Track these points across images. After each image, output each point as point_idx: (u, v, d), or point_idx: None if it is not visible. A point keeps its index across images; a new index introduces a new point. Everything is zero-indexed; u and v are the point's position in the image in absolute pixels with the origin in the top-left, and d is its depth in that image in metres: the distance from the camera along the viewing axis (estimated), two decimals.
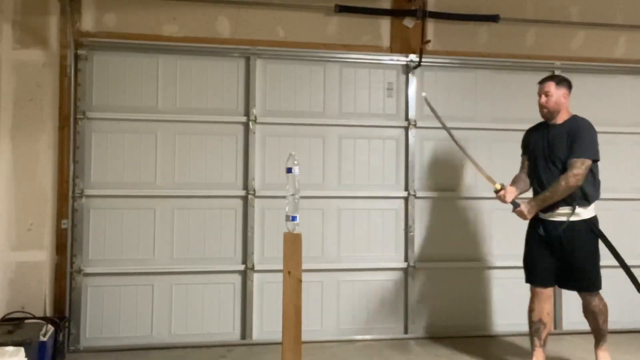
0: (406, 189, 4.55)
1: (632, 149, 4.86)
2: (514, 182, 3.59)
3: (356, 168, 4.50)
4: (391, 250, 4.52)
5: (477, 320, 4.57)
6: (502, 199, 3.45)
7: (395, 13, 4.53)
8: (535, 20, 4.71)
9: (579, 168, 3.29)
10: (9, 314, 3.70)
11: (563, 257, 3.41)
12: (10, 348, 2.89)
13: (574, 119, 3.49)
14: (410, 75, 4.56)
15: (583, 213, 3.37)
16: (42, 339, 3.40)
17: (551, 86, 3.48)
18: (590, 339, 3.66)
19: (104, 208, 4.17)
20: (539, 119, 4.71)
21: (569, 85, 3.54)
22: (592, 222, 3.41)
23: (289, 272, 3.17)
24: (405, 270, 4.52)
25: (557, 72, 4.71)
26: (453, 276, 4.56)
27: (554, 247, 3.42)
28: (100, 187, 4.16)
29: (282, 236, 3.14)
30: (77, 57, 4.11)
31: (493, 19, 4.60)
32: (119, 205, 4.18)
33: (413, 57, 4.52)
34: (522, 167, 3.69)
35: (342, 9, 4.42)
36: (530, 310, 3.55)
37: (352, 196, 4.47)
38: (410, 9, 4.49)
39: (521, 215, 3.44)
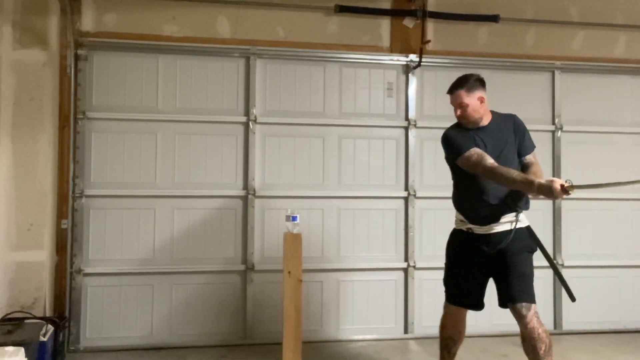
0: (406, 189, 4.55)
1: (632, 149, 4.86)
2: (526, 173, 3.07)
3: (356, 168, 4.50)
4: (391, 250, 4.52)
5: (477, 320, 4.57)
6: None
7: (395, 13, 4.53)
8: (535, 20, 4.71)
9: (536, 158, 3.10)
10: (9, 314, 3.70)
11: (503, 268, 2.99)
12: (10, 348, 2.89)
13: (502, 115, 3.17)
14: (410, 75, 4.56)
15: (524, 219, 3.06)
16: (42, 339, 3.40)
17: (463, 96, 3.00)
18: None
19: (104, 208, 4.17)
20: (538, 118, 4.75)
21: (481, 83, 3.07)
22: (531, 230, 3.10)
23: (289, 272, 3.17)
24: (405, 270, 4.51)
25: (556, 72, 4.74)
26: None
27: (493, 260, 3.02)
28: (100, 187, 4.16)
29: (282, 236, 3.14)
30: (77, 57, 4.11)
31: (493, 19, 4.60)
32: (119, 205, 4.18)
33: (413, 57, 4.52)
34: (486, 156, 2.97)
35: (342, 9, 4.42)
36: (442, 327, 3.25)
37: (352, 196, 4.47)
38: (410, 9, 4.49)
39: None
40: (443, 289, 3.29)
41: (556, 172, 4.71)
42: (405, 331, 4.49)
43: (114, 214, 4.17)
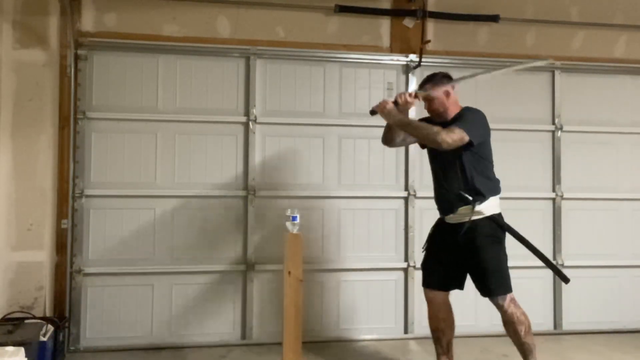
0: (406, 189, 4.55)
1: (632, 149, 4.86)
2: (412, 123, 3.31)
3: (356, 168, 4.50)
4: (391, 250, 4.52)
5: (477, 320, 4.57)
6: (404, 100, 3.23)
7: (395, 13, 4.53)
8: (535, 20, 4.71)
9: (453, 133, 3.04)
10: (9, 314, 3.70)
11: (471, 259, 3.17)
12: (10, 348, 2.89)
13: (464, 109, 3.29)
14: (410, 75, 4.56)
15: (485, 209, 3.16)
16: (42, 339, 3.40)
17: (428, 89, 3.28)
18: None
19: (104, 208, 4.17)
20: (538, 118, 4.75)
21: (448, 79, 3.31)
22: (496, 218, 3.18)
23: (289, 272, 3.17)
24: (405, 270, 4.51)
25: (556, 72, 4.74)
26: None
27: (461, 250, 3.19)
28: (100, 187, 4.16)
29: (282, 236, 3.14)
30: (77, 57, 4.11)
31: (493, 19, 4.60)
32: (119, 205, 4.18)
33: (413, 57, 4.52)
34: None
35: (342, 9, 4.42)
36: (429, 318, 3.39)
37: (352, 196, 4.47)
38: (410, 9, 4.49)
39: (378, 108, 3.26)
40: None
41: (556, 172, 4.71)
42: (405, 331, 4.49)
43: (114, 214, 4.17)
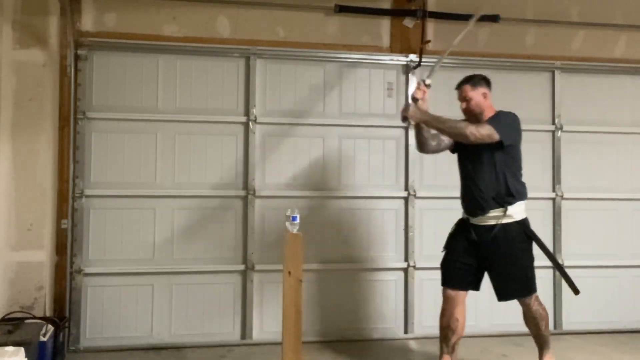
0: (406, 189, 4.55)
1: (632, 149, 4.86)
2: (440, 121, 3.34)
3: (356, 168, 4.50)
4: (391, 250, 4.52)
5: (477, 320, 4.57)
6: (415, 95, 3.32)
7: (395, 13, 4.53)
8: (535, 20, 4.71)
9: (483, 129, 3.11)
10: (9, 314, 3.70)
11: (496, 263, 3.21)
12: (10, 348, 2.89)
13: (498, 112, 3.34)
14: (410, 75, 4.56)
15: (515, 214, 3.21)
16: (42, 339, 3.40)
17: (468, 90, 3.32)
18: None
19: (104, 208, 4.17)
20: (539, 118, 4.75)
21: (487, 82, 3.38)
22: (524, 223, 3.25)
23: (289, 272, 3.17)
24: (405, 270, 4.51)
25: (556, 72, 4.74)
26: None
27: (486, 252, 3.22)
28: (100, 187, 4.16)
29: (282, 236, 3.14)
30: (77, 57, 4.11)
31: (493, 19, 4.60)
32: (119, 205, 4.18)
33: (413, 57, 4.52)
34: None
35: (342, 9, 4.42)
36: (441, 316, 3.40)
37: (352, 196, 4.47)
38: (410, 9, 4.49)
39: (405, 112, 3.26)
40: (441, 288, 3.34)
41: (556, 172, 4.71)
42: (405, 331, 4.49)
43: (114, 214, 4.17)
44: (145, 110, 4.23)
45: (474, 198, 3.27)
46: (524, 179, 3.33)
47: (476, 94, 3.30)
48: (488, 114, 3.30)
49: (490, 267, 3.25)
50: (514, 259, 3.18)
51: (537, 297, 3.26)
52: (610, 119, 4.83)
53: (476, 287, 3.38)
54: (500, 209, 3.18)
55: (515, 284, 3.20)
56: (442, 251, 3.47)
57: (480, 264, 3.27)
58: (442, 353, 3.40)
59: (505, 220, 3.17)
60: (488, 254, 3.22)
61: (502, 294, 3.25)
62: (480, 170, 3.25)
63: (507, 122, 3.22)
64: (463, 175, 3.39)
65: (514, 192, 3.20)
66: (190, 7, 4.28)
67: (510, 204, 3.18)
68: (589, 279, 4.70)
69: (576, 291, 3.23)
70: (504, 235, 3.17)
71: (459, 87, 3.37)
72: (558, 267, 3.33)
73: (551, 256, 3.29)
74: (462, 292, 3.35)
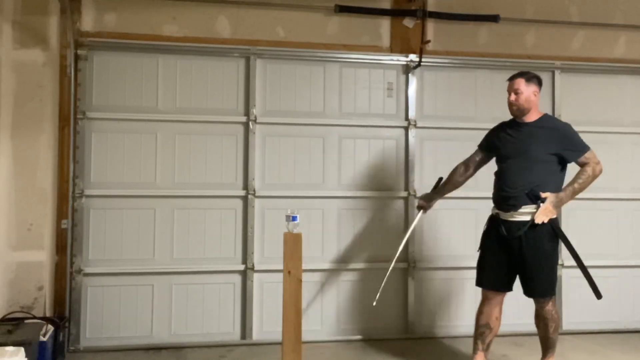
0: (406, 189, 4.55)
1: (632, 149, 4.86)
2: (449, 177, 3.71)
3: (356, 168, 4.50)
4: (391, 250, 4.50)
5: None
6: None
7: (395, 13, 4.53)
8: (535, 20, 4.71)
9: (595, 157, 3.28)
10: (9, 314, 3.70)
11: (522, 259, 3.27)
12: (10, 348, 2.89)
13: (549, 117, 3.46)
14: (410, 75, 4.56)
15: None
16: (42, 339, 3.40)
17: (521, 83, 3.35)
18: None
19: (104, 208, 4.17)
20: None
21: (539, 82, 3.42)
22: (555, 221, 3.29)
23: (289, 272, 3.17)
24: (405, 270, 4.51)
25: (556, 72, 4.74)
26: (453, 276, 4.56)
27: (514, 249, 3.29)
28: (100, 187, 4.16)
29: (282, 236, 3.14)
30: (77, 57, 4.11)
31: (493, 19, 4.60)
32: (119, 205, 4.18)
33: (413, 57, 4.52)
34: (469, 159, 3.66)
35: (342, 9, 4.42)
36: (479, 313, 3.49)
37: (352, 196, 4.47)
38: (410, 9, 4.49)
39: (547, 213, 3.21)
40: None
41: None
42: (405, 331, 4.48)
43: (114, 214, 4.17)
44: (145, 110, 4.23)
45: (508, 193, 3.32)
46: None
47: (528, 90, 3.33)
48: (534, 112, 3.37)
49: (521, 264, 3.29)
50: (543, 257, 3.25)
51: (553, 300, 3.33)
52: (610, 119, 4.83)
53: (509, 286, 3.42)
54: (533, 206, 3.24)
55: (543, 282, 3.27)
56: (477, 251, 3.54)
57: (512, 262, 3.33)
58: (476, 349, 3.48)
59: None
60: (516, 250, 3.28)
61: (530, 291, 3.33)
62: (525, 167, 3.29)
63: (578, 135, 3.35)
64: (501, 171, 3.43)
65: (549, 192, 3.25)
66: (190, 7, 4.28)
67: (542, 201, 3.22)
68: None
69: (599, 295, 3.23)
70: (533, 233, 3.23)
71: (513, 78, 3.41)
72: (583, 270, 3.28)
73: (577, 257, 3.28)
74: (501, 292, 3.42)
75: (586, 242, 4.74)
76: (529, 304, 3.46)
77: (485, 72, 4.68)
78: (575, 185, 3.26)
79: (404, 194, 4.54)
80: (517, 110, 3.38)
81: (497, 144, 3.50)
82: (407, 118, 4.56)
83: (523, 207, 3.26)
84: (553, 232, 3.27)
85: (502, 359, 4.00)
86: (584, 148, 3.30)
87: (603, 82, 4.84)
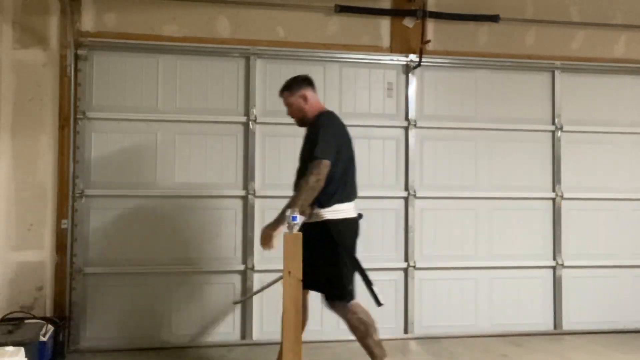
0: (406, 189, 4.55)
1: (632, 149, 4.86)
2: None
3: (356, 168, 4.49)
4: (391, 250, 4.52)
5: (477, 320, 4.57)
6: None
7: (395, 13, 4.53)
8: (535, 20, 4.71)
9: (316, 168, 3.01)
10: (9, 314, 3.70)
11: (313, 263, 3.00)
12: (10, 348, 2.89)
13: (318, 116, 3.20)
14: (410, 75, 4.56)
15: (326, 214, 3.12)
16: (42, 339, 3.40)
17: (287, 97, 3.27)
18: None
19: (104, 208, 4.17)
20: (539, 118, 4.75)
21: (304, 81, 3.28)
22: (334, 223, 3.11)
23: (289, 272, 3.17)
24: (405, 270, 4.51)
25: (556, 72, 4.74)
26: (453, 276, 4.57)
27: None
28: (100, 187, 4.16)
29: (282, 236, 3.14)
30: (77, 57, 4.11)
31: (493, 19, 4.60)
32: (119, 205, 4.18)
33: (413, 57, 4.52)
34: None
35: (342, 9, 4.42)
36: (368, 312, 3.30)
37: None
38: (410, 9, 4.49)
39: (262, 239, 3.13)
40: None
41: (556, 172, 4.71)
42: (405, 331, 4.48)
43: (114, 214, 4.17)
44: (145, 110, 4.23)
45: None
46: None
47: (295, 99, 3.25)
48: (311, 114, 3.23)
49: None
50: (323, 262, 3.09)
51: (345, 306, 3.15)
52: (610, 119, 4.83)
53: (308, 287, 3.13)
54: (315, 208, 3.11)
55: (326, 286, 3.15)
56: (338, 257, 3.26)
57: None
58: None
59: (314, 220, 3.11)
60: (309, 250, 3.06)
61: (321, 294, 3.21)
62: (302, 170, 3.19)
63: (325, 138, 3.07)
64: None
65: (320, 197, 3.08)
66: (190, 7, 4.28)
67: (319, 206, 3.10)
68: (589, 279, 4.71)
69: (378, 303, 3.15)
70: (313, 234, 3.06)
71: (280, 94, 3.32)
72: (362, 275, 3.15)
73: (356, 263, 3.15)
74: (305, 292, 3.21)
75: (586, 242, 4.75)
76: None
77: (485, 72, 4.68)
78: (298, 197, 3.06)
79: (403, 194, 4.54)
80: (297, 121, 3.30)
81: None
82: (407, 118, 4.56)
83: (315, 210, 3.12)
84: (329, 233, 3.11)
85: (502, 359, 4.00)
86: (317, 154, 3.03)
87: (603, 82, 4.84)
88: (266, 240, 3.16)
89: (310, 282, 3.06)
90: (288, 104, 3.29)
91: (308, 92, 3.28)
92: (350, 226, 3.21)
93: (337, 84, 4.51)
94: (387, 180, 4.54)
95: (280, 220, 3.16)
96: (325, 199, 3.11)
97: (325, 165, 3.03)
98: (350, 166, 3.25)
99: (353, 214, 3.22)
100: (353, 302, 3.17)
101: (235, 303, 3.17)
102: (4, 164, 3.90)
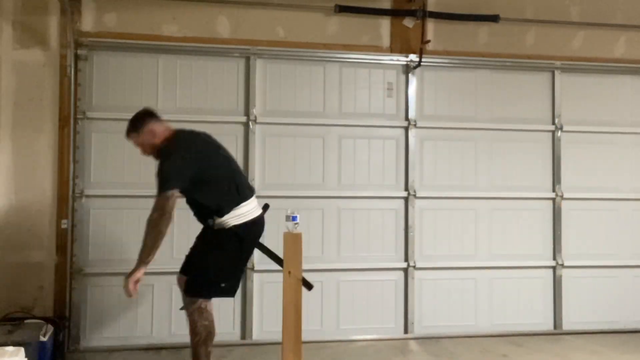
0: (406, 189, 4.54)
1: (632, 149, 4.86)
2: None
3: (356, 168, 4.50)
4: (391, 250, 4.52)
5: (477, 320, 4.57)
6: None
7: (395, 13, 4.53)
8: (535, 20, 4.71)
9: (155, 204, 3.04)
10: (9, 314, 3.70)
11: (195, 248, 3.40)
12: (10, 348, 2.89)
13: (160, 149, 3.14)
14: (410, 75, 4.56)
15: (229, 221, 3.18)
16: (42, 339, 3.40)
17: (134, 138, 3.16)
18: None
19: (104, 208, 4.16)
20: (538, 118, 4.76)
21: (148, 116, 3.19)
22: (241, 227, 3.20)
23: (289, 272, 3.17)
24: (405, 270, 4.51)
25: (556, 72, 4.74)
26: (453, 276, 4.57)
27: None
28: (100, 187, 4.16)
29: (282, 236, 3.14)
30: (77, 57, 4.11)
31: (493, 19, 4.60)
32: (119, 205, 4.18)
33: (413, 57, 4.52)
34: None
35: (342, 9, 4.42)
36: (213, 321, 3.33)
37: (352, 196, 4.47)
38: (410, 9, 4.49)
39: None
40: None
41: (556, 172, 4.71)
42: (405, 331, 4.48)
43: (114, 214, 4.17)
44: None
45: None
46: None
47: (145, 137, 3.14)
48: (161, 144, 3.15)
49: None
50: (198, 260, 3.31)
51: (200, 309, 3.15)
52: (610, 119, 4.83)
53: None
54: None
55: (190, 281, 3.25)
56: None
57: None
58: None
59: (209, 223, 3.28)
60: None
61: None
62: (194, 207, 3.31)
63: (164, 170, 3.03)
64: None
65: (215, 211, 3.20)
66: (190, 7, 4.28)
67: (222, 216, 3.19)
68: (589, 279, 4.71)
69: (308, 287, 3.18)
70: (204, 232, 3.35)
71: (127, 136, 3.20)
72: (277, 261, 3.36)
73: (271, 254, 3.44)
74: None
75: (586, 242, 4.75)
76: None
77: (485, 72, 4.68)
78: (144, 245, 3.12)
79: (403, 194, 4.54)
80: (152, 155, 3.19)
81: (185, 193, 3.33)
82: (407, 118, 4.56)
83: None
84: (215, 237, 3.25)
85: (502, 359, 3.99)
86: (159, 188, 3.01)
87: (603, 82, 4.84)
88: (126, 290, 3.12)
89: (185, 268, 3.32)
90: (139, 144, 3.18)
91: (154, 126, 3.16)
92: (254, 227, 3.28)
93: (337, 84, 4.51)
94: (387, 180, 4.54)
95: (137, 266, 3.16)
96: (218, 210, 3.18)
97: (164, 198, 3.02)
98: (228, 170, 3.25)
99: (256, 213, 3.29)
100: (208, 305, 3.17)
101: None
102: (4, 164, 3.90)
